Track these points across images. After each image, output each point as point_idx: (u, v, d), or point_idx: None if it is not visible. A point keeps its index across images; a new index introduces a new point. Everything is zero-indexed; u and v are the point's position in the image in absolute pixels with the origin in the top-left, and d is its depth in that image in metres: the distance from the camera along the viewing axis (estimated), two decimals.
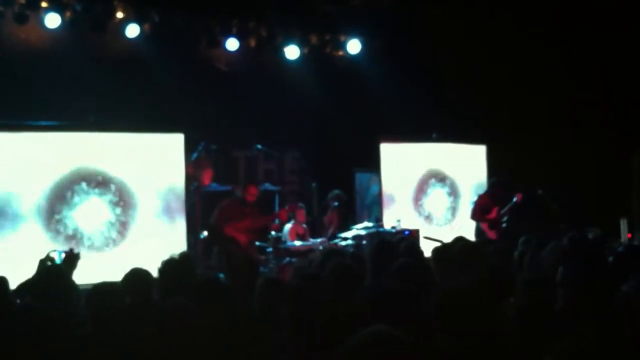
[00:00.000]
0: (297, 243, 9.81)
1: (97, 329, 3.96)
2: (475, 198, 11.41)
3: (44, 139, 8.88)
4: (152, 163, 9.37)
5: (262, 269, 8.56)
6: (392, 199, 11.18)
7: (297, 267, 8.58)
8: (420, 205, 11.56)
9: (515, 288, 4.22)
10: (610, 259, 5.39)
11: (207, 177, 10.19)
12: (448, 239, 6.64)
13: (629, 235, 10.23)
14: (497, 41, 11.67)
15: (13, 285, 4.97)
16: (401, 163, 11.40)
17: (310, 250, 9.57)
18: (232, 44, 11.12)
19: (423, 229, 10.65)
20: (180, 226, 9.45)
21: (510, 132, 11.97)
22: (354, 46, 11.94)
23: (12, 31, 9.89)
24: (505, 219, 11.05)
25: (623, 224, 10.27)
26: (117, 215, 9.13)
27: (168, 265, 5.03)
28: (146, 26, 10.49)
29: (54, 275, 5.11)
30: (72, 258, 5.71)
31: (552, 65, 11.73)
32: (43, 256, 5.58)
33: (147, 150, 9.40)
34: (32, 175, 8.70)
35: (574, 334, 3.04)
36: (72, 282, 5.28)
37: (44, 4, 9.73)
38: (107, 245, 9.03)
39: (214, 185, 10.21)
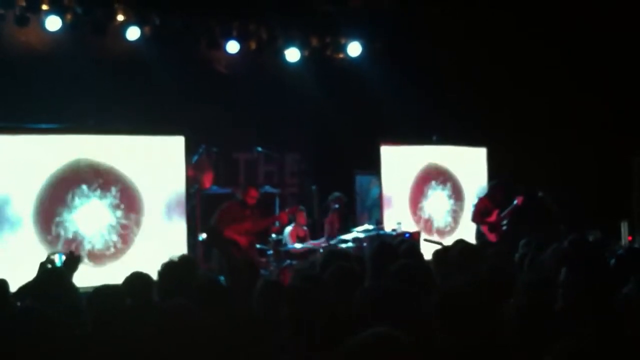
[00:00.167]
0: (298, 245, 9.81)
1: (97, 331, 3.96)
2: (475, 201, 11.42)
3: (44, 142, 8.89)
4: (153, 166, 9.37)
5: (262, 271, 8.56)
6: (392, 201, 11.18)
7: (298, 268, 8.58)
8: (421, 208, 11.55)
9: (515, 289, 4.22)
10: (612, 261, 5.38)
11: (207, 180, 10.20)
12: (448, 241, 6.65)
13: (630, 238, 10.22)
14: (497, 42, 11.68)
15: (13, 287, 4.97)
16: (401, 165, 11.40)
17: (310, 252, 9.56)
18: (232, 47, 11.13)
19: (423, 231, 10.65)
20: (180, 229, 9.44)
21: (511, 134, 11.98)
22: (354, 49, 11.95)
23: (13, 34, 9.90)
24: (505, 221, 11.05)
25: (624, 227, 10.27)
26: (118, 218, 9.13)
27: (168, 268, 5.04)
28: (147, 29, 10.49)
29: (54, 277, 5.10)
30: (72, 260, 5.70)
31: (552, 67, 11.73)
32: (43, 259, 5.58)
33: (147, 153, 9.41)
34: (32, 178, 8.70)
35: (574, 334, 3.03)
36: (73, 285, 5.27)
37: (44, 7, 9.73)
38: (107, 248, 9.02)
39: (215, 187, 10.21)
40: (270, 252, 9.73)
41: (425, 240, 9.80)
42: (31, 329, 3.42)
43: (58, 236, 8.75)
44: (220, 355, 3.43)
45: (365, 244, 9.63)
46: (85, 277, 5.81)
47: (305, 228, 10.32)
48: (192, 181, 9.77)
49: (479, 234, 10.99)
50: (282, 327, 3.93)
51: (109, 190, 9.08)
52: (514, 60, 11.79)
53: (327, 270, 4.82)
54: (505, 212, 11.03)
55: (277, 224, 9.89)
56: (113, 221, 9.10)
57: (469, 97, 11.94)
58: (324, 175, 11.51)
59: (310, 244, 9.92)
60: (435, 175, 11.75)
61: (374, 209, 11.53)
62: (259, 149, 11.13)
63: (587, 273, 4.18)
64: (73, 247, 8.26)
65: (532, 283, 4.20)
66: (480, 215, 11.07)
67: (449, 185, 11.87)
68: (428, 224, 11.50)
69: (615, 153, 11.44)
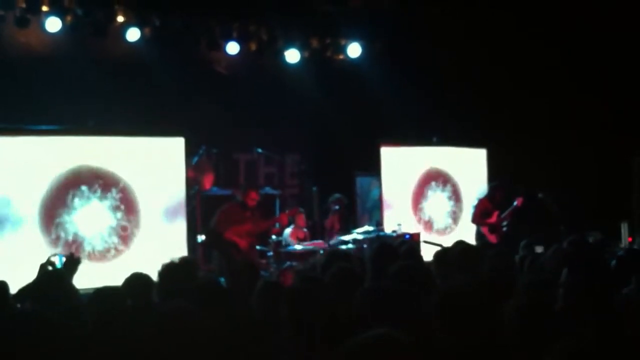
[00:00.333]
0: (298, 247, 9.81)
1: (97, 332, 3.96)
2: (475, 202, 11.42)
3: (44, 143, 8.89)
4: (153, 167, 9.37)
5: (262, 272, 8.56)
6: (392, 203, 11.17)
7: (299, 269, 8.59)
8: (421, 209, 11.55)
9: (515, 289, 4.22)
10: (612, 262, 5.38)
11: (207, 181, 10.20)
12: (448, 243, 6.65)
13: (630, 239, 10.21)
14: (497, 42, 11.68)
15: (13, 289, 4.97)
16: (402, 167, 11.40)
17: (310, 253, 9.56)
18: (232, 48, 11.13)
19: (423, 233, 10.65)
20: (180, 230, 9.45)
21: (511, 135, 11.97)
22: (354, 50, 11.95)
23: (13, 35, 9.90)
24: (505, 222, 11.06)
25: (624, 228, 10.26)
26: (118, 220, 9.13)
27: (168, 269, 5.03)
28: (147, 30, 10.50)
29: (54, 279, 5.09)
30: (72, 262, 5.69)
31: (552, 67, 11.73)
32: (43, 260, 5.58)
33: (147, 154, 9.41)
34: (32, 180, 8.70)
35: (574, 334, 3.03)
36: (73, 287, 5.26)
37: (44, 8, 9.73)
38: (107, 249, 9.02)
39: (215, 189, 10.22)
40: (271, 253, 9.72)
41: (425, 241, 9.79)
42: (31, 330, 3.42)
43: (58, 238, 8.75)
44: (220, 356, 3.43)
45: (365, 245, 9.63)
46: (86, 278, 5.80)
47: (305, 229, 10.32)
48: (192, 182, 9.77)
49: (479, 235, 11.00)
50: (282, 328, 3.93)
51: (109, 191, 9.08)
52: (514, 60, 11.79)
53: (328, 271, 4.82)
54: (505, 213, 11.04)
55: (277, 225, 9.89)
56: (113, 222, 9.10)
57: (469, 98, 11.94)
58: (324, 177, 11.51)
59: (310, 244, 9.92)
60: (435, 176, 11.75)
61: (374, 211, 11.53)
62: (259, 150, 11.14)
63: (587, 274, 4.18)
64: (73, 249, 8.26)
65: (532, 284, 4.20)
66: (480, 216, 11.07)
67: (448, 186, 11.88)
68: (428, 225, 11.50)
69: (615, 154, 11.43)
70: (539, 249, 7.15)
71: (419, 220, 11.46)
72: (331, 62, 12.09)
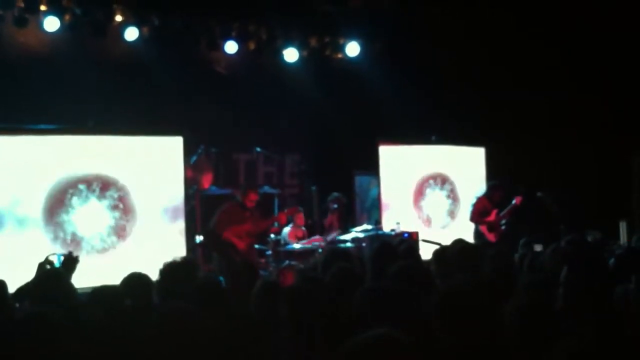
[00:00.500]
0: (297, 246, 9.81)
1: (96, 332, 3.95)
2: (474, 200, 11.42)
3: (43, 143, 8.88)
4: (152, 166, 9.36)
5: (261, 272, 8.55)
6: (391, 202, 11.17)
7: (301, 269, 8.59)
8: (420, 208, 11.55)
9: (515, 289, 4.22)
10: (611, 261, 5.38)
11: (206, 181, 10.20)
12: (447, 241, 6.64)
13: (629, 241, 10.20)
14: (497, 42, 11.67)
15: (12, 288, 4.97)
16: (400, 165, 11.40)
17: (309, 252, 9.56)
18: (231, 47, 11.12)
19: (422, 231, 10.65)
20: (179, 230, 9.44)
21: (510, 134, 11.97)
22: (353, 49, 11.95)
23: (12, 35, 9.89)
24: (504, 221, 11.06)
25: (622, 227, 10.25)
26: (117, 219, 9.13)
27: (169, 269, 5.03)
28: (145, 29, 10.48)
29: (52, 278, 5.09)
30: (71, 261, 5.69)
31: (552, 67, 11.73)
32: (42, 259, 5.58)
33: (146, 154, 9.40)
34: (30, 179, 8.69)
35: (574, 334, 3.03)
36: (71, 286, 5.26)
37: (43, 8, 9.71)
38: (106, 249, 9.02)
39: (214, 188, 10.21)
40: (269, 252, 9.72)
41: (424, 240, 9.80)
42: (30, 330, 3.41)
43: (57, 237, 8.74)
44: (220, 356, 3.43)
45: (364, 244, 9.63)
46: (84, 277, 5.79)
47: (303, 228, 10.32)
48: (191, 182, 9.76)
49: (478, 234, 11.00)
50: (282, 328, 3.92)
51: (107, 190, 9.07)
52: (514, 60, 11.79)
53: (328, 270, 4.82)
54: (504, 212, 11.04)
55: (276, 224, 9.89)
56: (112, 222, 9.10)
57: (469, 97, 11.94)
58: (323, 176, 11.52)
59: (307, 241, 9.92)
60: (433, 175, 11.75)
61: (373, 210, 11.53)
62: (259, 149, 11.13)
63: (586, 273, 4.17)
64: (72, 248, 8.25)
65: (532, 283, 4.20)
66: (479, 215, 11.07)
67: (447, 185, 11.88)
68: (426, 224, 11.50)
69: (615, 153, 11.43)
70: (538, 248, 7.15)
71: (418, 218, 11.45)
72: (330, 61, 12.09)
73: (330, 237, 10.02)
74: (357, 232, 9.96)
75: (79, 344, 3.61)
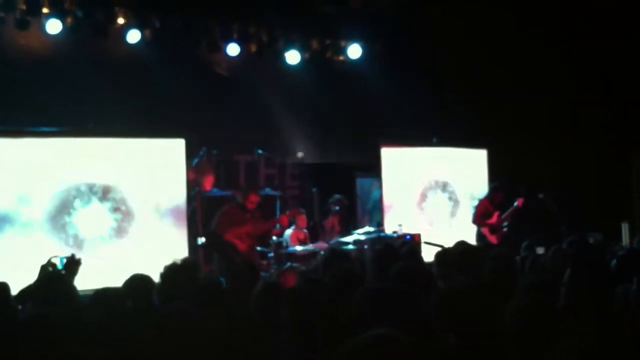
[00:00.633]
0: (299, 248, 9.81)
1: (98, 334, 3.96)
2: (476, 202, 11.42)
3: (44, 145, 8.89)
4: (153, 168, 9.37)
5: (263, 274, 8.56)
6: (393, 204, 11.17)
7: (303, 270, 8.59)
8: (422, 210, 11.55)
9: (516, 290, 4.22)
10: (613, 262, 5.38)
11: (208, 183, 10.21)
12: (449, 243, 6.64)
13: (630, 241, 10.20)
14: (497, 42, 11.68)
15: (14, 291, 4.97)
16: (402, 167, 11.40)
17: (311, 254, 9.56)
18: (232, 49, 11.13)
19: (424, 233, 10.65)
20: (181, 231, 9.44)
21: (511, 134, 11.97)
22: (354, 51, 11.95)
23: (13, 37, 9.91)
24: (506, 223, 11.05)
25: (624, 228, 10.26)
26: (118, 221, 9.13)
27: (170, 270, 5.04)
28: (147, 32, 10.50)
29: (55, 280, 5.10)
30: (73, 264, 5.71)
31: (552, 67, 11.73)
32: (44, 262, 5.59)
33: (148, 156, 9.41)
34: (32, 181, 8.70)
35: (574, 334, 3.04)
36: (74, 288, 5.27)
37: (45, 10, 9.74)
38: (108, 250, 9.02)
39: (215, 190, 10.21)
40: (271, 254, 9.72)
41: (426, 242, 9.79)
42: (32, 331, 3.42)
43: (59, 239, 8.74)
44: (220, 356, 3.43)
45: (366, 246, 9.63)
46: (86, 279, 5.81)
47: (305, 231, 10.31)
48: (192, 184, 9.77)
49: (480, 236, 11.00)
50: (283, 329, 3.93)
51: (109, 193, 9.08)
52: (514, 60, 11.79)
53: (328, 271, 4.82)
54: (506, 213, 11.04)
55: (277, 226, 9.89)
56: (114, 224, 9.10)
57: (469, 98, 11.94)
58: (324, 178, 11.51)
59: (311, 246, 9.91)
60: (435, 177, 11.74)
61: (375, 212, 11.53)
62: (260, 151, 11.13)
63: (588, 274, 4.18)
64: (74, 250, 8.25)
65: (533, 284, 4.20)
66: (480, 217, 11.07)
67: (449, 187, 11.87)
68: (428, 226, 11.49)
69: (616, 153, 11.43)
70: (540, 251, 7.15)
71: (420, 220, 11.44)
72: (331, 63, 12.10)
73: (332, 242, 9.99)
74: (358, 234, 9.95)
75: (80, 346, 3.62)
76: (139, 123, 9.99)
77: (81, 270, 5.71)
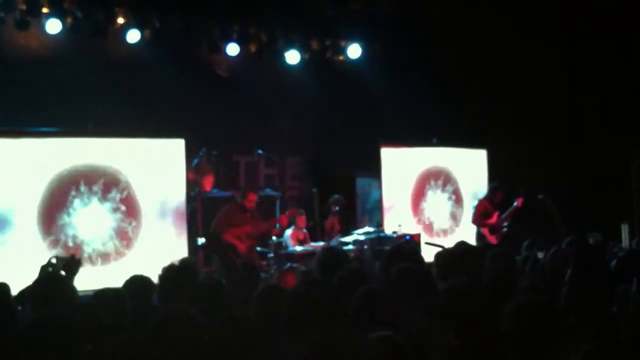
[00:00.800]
0: (298, 248, 9.81)
1: (98, 334, 3.96)
2: (475, 202, 11.42)
3: (44, 145, 8.88)
4: (153, 168, 9.36)
5: (263, 274, 8.56)
6: (393, 204, 11.17)
7: (302, 271, 8.59)
8: (421, 210, 11.55)
9: (516, 290, 4.22)
10: (613, 263, 5.38)
11: (208, 183, 10.21)
12: (449, 244, 6.64)
13: (630, 243, 10.20)
14: (497, 42, 11.68)
15: (14, 291, 4.97)
16: (402, 167, 11.39)
17: (311, 254, 9.55)
18: (232, 49, 11.13)
19: (424, 233, 10.65)
20: (181, 232, 9.44)
21: (511, 135, 11.97)
22: (354, 51, 11.95)
23: (13, 37, 9.91)
24: (506, 223, 11.05)
25: (624, 229, 10.26)
26: (118, 222, 9.12)
27: (169, 271, 5.03)
28: (147, 32, 10.49)
29: (55, 281, 5.10)
30: (73, 264, 5.70)
31: (551, 67, 11.72)
32: (44, 262, 5.58)
33: (148, 156, 9.40)
34: (32, 182, 8.70)
35: (574, 334, 3.04)
36: (73, 289, 5.27)
37: (44, 10, 9.74)
38: (107, 251, 9.01)
39: (215, 190, 10.21)
40: (271, 254, 9.72)
41: (426, 243, 9.79)
42: (32, 332, 3.42)
43: (58, 240, 8.74)
44: (220, 357, 3.43)
45: (365, 247, 9.63)
46: (86, 280, 5.80)
47: (305, 231, 10.31)
48: (192, 184, 9.77)
49: (480, 236, 11.00)
50: (282, 331, 3.92)
51: (109, 193, 9.07)
52: (514, 60, 11.79)
53: (327, 272, 4.82)
54: (506, 214, 11.04)
55: (277, 226, 9.89)
56: (113, 224, 9.09)
57: (469, 98, 11.93)
58: (324, 178, 11.51)
59: (310, 246, 9.91)
60: (435, 177, 11.74)
61: (375, 212, 11.53)
62: (260, 151, 11.13)
63: (588, 274, 4.18)
64: (73, 251, 8.25)
65: (532, 284, 4.20)
66: (480, 217, 11.07)
67: (449, 187, 11.87)
68: (428, 226, 11.49)
69: (615, 153, 11.43)
70: (541, 255, 7.14)
71: (419, 221, 11.44)
72: (331, 63, 12.10)
73: (332, 243, 9.99)
74: (358, 234, 9.95)
75: (80, 346, 3.62)
76: (139, 123, 9.98)
77: (81, 270, 5.70)
